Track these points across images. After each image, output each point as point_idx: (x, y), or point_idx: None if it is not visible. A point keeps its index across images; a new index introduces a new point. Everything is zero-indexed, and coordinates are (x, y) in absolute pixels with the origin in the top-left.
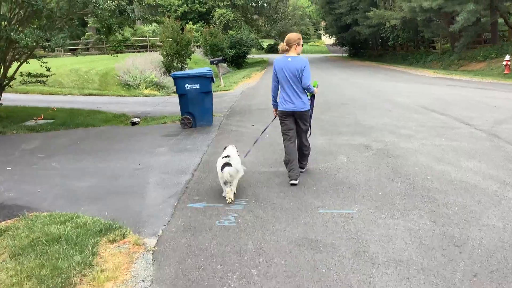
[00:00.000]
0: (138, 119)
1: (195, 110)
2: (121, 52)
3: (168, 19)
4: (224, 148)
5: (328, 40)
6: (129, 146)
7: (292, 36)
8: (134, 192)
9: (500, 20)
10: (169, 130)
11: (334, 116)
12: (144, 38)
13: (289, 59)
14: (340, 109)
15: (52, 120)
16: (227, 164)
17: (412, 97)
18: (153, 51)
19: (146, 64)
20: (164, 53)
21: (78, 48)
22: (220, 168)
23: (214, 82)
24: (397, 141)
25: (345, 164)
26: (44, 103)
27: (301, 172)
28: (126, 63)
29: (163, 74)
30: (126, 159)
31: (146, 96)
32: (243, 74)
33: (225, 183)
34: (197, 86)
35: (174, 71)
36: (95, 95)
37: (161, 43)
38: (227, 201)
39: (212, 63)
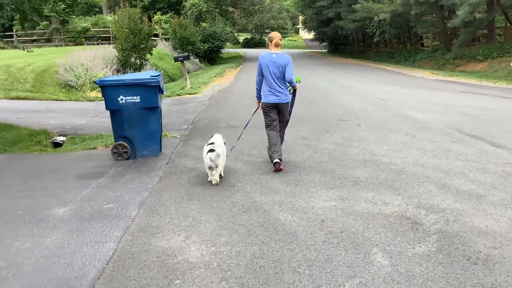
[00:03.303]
0: (63, 139)
1: (135, 134)
2: (81, 44)
3: (122, 7)
4: (211, 137)
5: (306, 35)
6: (12, 203)
7: (279, 35)
8: None
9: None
10: (94, 163)
11: (337, 144)
12: (107, 29)
13: (274, 55)
14: (341, 130)
15: None
16: (211, 150)
17: (430, 110)
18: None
19: (96, 60)
20: (119, 47)
21: (38, 39)
22: (204, 154)
23: (163, 93)
24: (462, 209)
25: (391, 282)
26: None
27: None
28: (70, 59)
29: (116, 72)
30: None
31: (90, 100)
32: (215, 71)
33: (210, 168)
34: (136, 99)
35: (130, 71)
36: (23, 98)
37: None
38: (213, 183)
39: (176, 60)
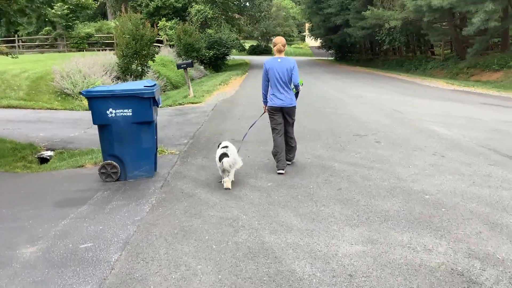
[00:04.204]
0: (51, 154)
1: (125, 152)
2: (83, 50)
3: (123, 11)
4: (219, 144)
5: (312, 42)
6: None
7: (282, 40)
8: None
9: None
10: (79, 185)
11: (356, 165)
12: (111, 35)
13: (279, 59)
14: (358, 147)
15: None
16: (225, 155)
17: (454, 125)
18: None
19: (96, 66)
20: (120, 53)
21: (42, 44)
22: (218, 159)
23: (159, 105)
24: None
25: None
26: None
27: (288, 164)
28: (67, 65)
29: (116, 79)
30: None
31: (86, 109)
32: (220, 79)
33: (223, 171)
34: (127, 112)
35: (132, 79)
36: (15, 107)
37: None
38: (224, 188)
39: (179, 67)
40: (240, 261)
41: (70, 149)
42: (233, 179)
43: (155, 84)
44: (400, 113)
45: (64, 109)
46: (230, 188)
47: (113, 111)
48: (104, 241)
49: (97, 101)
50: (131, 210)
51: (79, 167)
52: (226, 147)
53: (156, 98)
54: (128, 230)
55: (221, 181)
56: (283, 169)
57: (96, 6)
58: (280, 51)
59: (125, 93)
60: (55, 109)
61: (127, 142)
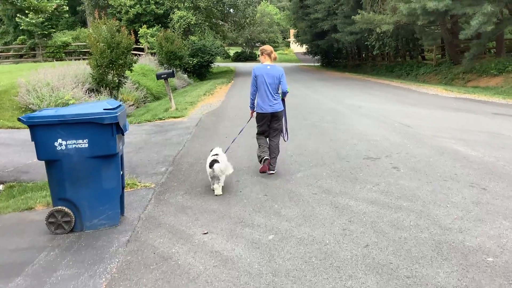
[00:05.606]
0: (0, 188)
1: (81, 195)
2: (61, 60)
3: (97, 17)
4: (211, 150)
5: (297, 48)
6: None
7: (270, 47)
8: None
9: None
10: (20, 240)
11: (378, 203)
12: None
13: (268, 67)
14: (374, 176)
15: None
16: (215, 161)
17: (476, 142)
18: None
19: (67, 78)
20: (94, 62)
21: (18, 54)
22: (208, 165)
23: (125, 133)
24: None
25: None
26: None
27: (272, 173)
28: (34, 77)
29: (89, 92)
30: None
31: None
32: (204, 88)
33: (213, 178)
34: (82, 143)
35: (107, 91)
36: None
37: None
38: (215, 194)
39: (159, 77)
40: None
41: (23, 182)
42: (223, 185)
43: (119, 106)
44: (409, 127)
45: (27, 128)
46: (221, 193)
47: (64, 143)
48: None
49: (41, 130)
50: (81, 286)
51: (27, 209)
52: (216, 154)
53: (121, 124)
54: None
55: (212, 189)
56: (267, 156)
57: (52, 10)
58: (276, 58)
59: (78, 119)
60: (18, 128)
61: (83, 182)
